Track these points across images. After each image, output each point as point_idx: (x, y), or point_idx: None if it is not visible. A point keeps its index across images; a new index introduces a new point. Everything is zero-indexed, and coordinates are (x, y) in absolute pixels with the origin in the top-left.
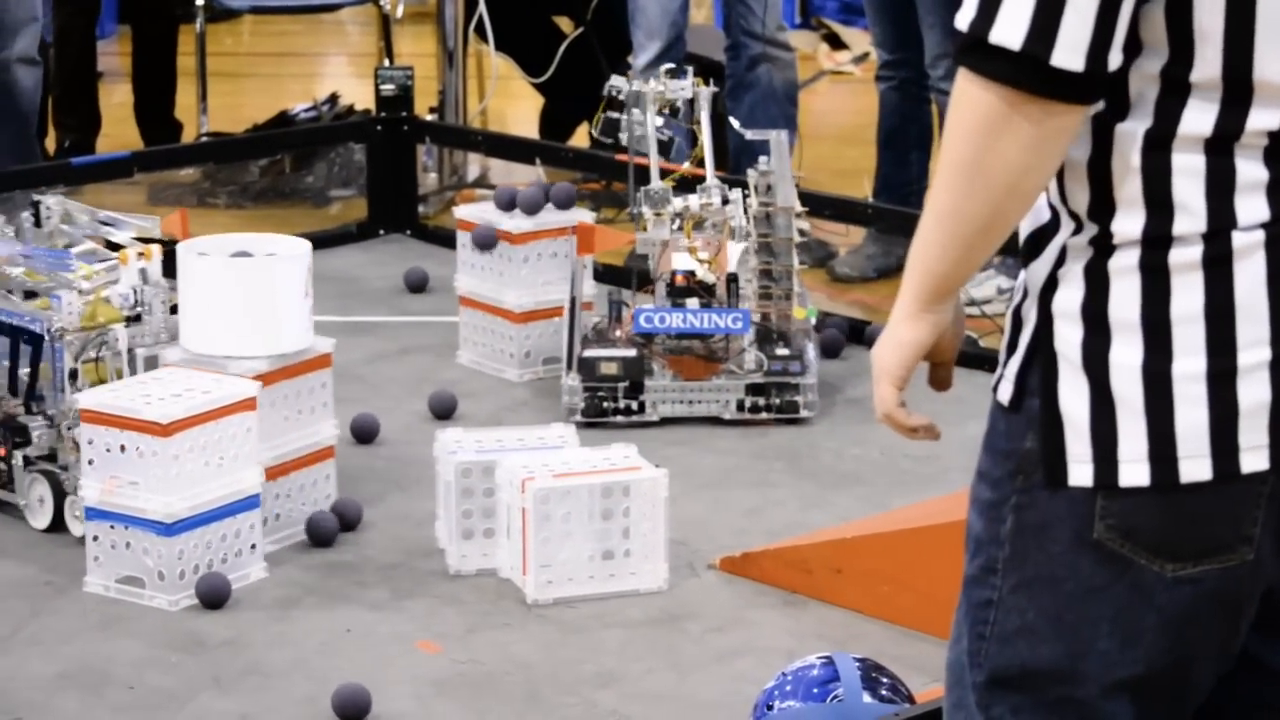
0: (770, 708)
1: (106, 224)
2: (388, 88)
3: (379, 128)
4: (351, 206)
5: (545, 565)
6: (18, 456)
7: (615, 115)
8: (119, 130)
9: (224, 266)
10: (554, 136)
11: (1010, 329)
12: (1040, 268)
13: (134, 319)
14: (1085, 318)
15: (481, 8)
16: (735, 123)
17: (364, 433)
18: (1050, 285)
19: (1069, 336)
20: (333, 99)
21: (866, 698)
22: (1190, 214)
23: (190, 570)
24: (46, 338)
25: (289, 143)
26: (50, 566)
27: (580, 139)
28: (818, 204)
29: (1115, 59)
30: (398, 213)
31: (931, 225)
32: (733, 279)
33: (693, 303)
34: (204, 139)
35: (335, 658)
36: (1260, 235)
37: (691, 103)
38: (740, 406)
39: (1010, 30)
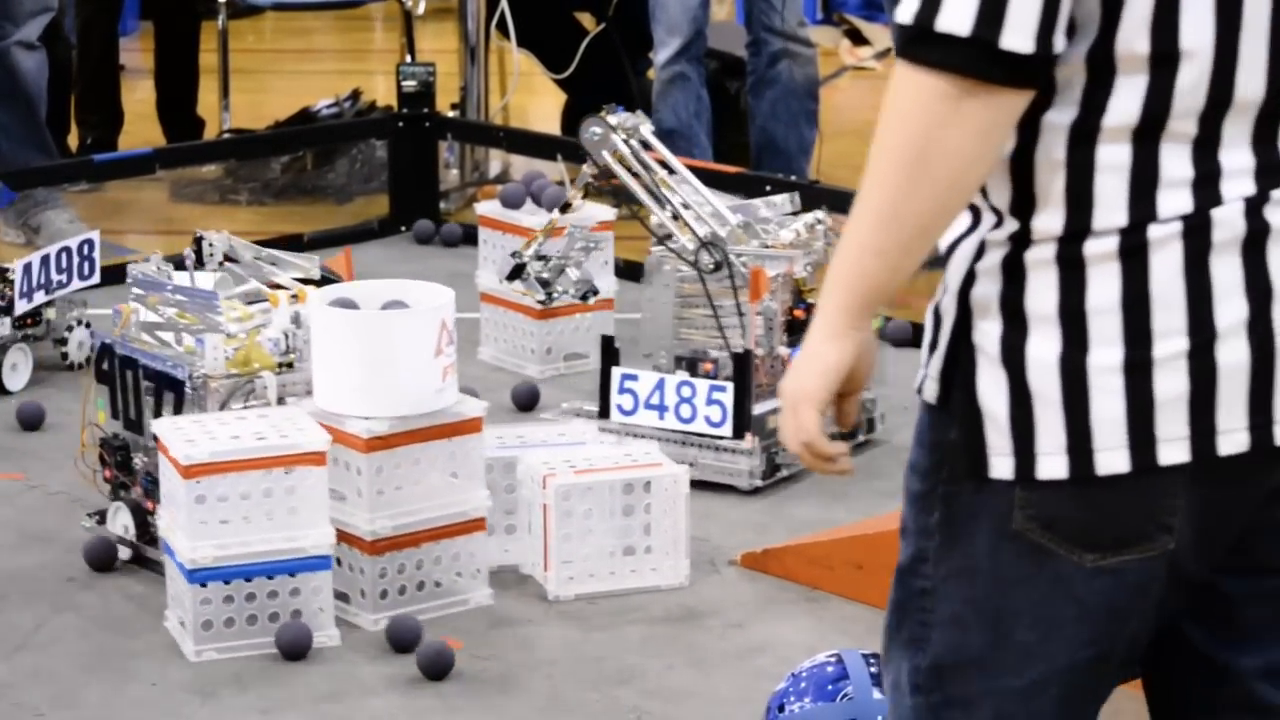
0: (782, 709)
1: (270, 263)
2: (410, 84)
3: (401, 124)
4: (373, 203)
5: (567, 561)
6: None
7: (576, 274)
8: (141, 127)
9: (341, 318)
10: (576, 133)
11: (931, 327)
12: (959, 262)
13: (286, 365)
14: (1003, 311)
15: (503, 4)
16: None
17: (526, 400)
18: (969, 280)
19: (987, 330)
20: (355, 95)
21: (877, 694)
22: (1110, 210)
23: (221, 623)
24: (188, 385)
25: (311, 139)
26: (69, 563)
27: None
28: (838, 200)
29: (1060, 41)
30: (419, 209)
31: (867, 230)
32: None
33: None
34: (226, 136)
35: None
36: (1178, 226)
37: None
38: (838, 437)
39: (957, 17)
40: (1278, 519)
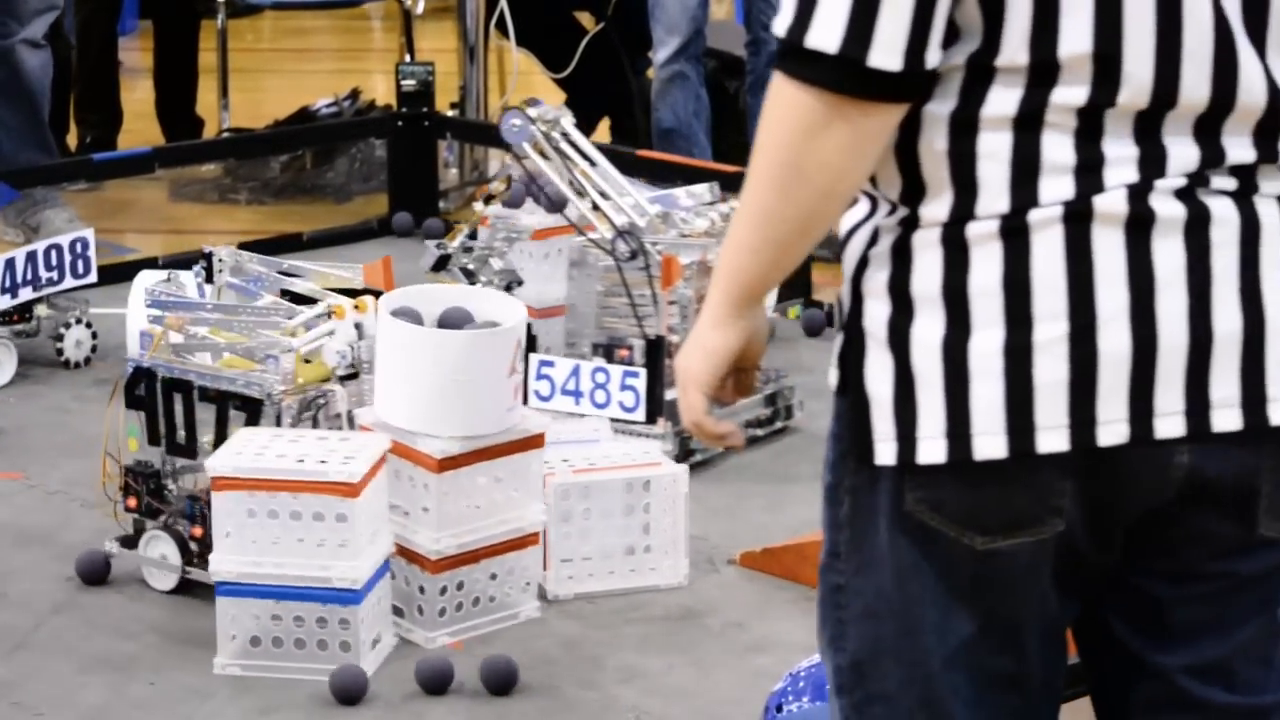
0: (780, 709)
1: (291, 274)
2: (409, 83)
3: (400, 123)
4: (372, 202)
5: (566, 560)
6: None
7: (500, 265)
8: (140, 126)
9: (419, 337)
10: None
11: (836, 315)
12: (854, 249)
13: (347, 378)
14: (891, 294)
15: (503, 3)
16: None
17: None
18: (862, 265)
19: (876, 314)
20: (354, 95)
21: None
22: (994, 196)
23: (247, 640)
24: (267, 402)
25: (310, 138)
26: (69, 562)
27: (602, 134)
28: None
29: (934, 57)
30: (419, 208)
31: (746, 229)
32: None
33: None
34: (225, 135)
35: None
36: (1059, 210)
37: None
38: (759, 422)
39: (826, 34)
40: (1197, 523)
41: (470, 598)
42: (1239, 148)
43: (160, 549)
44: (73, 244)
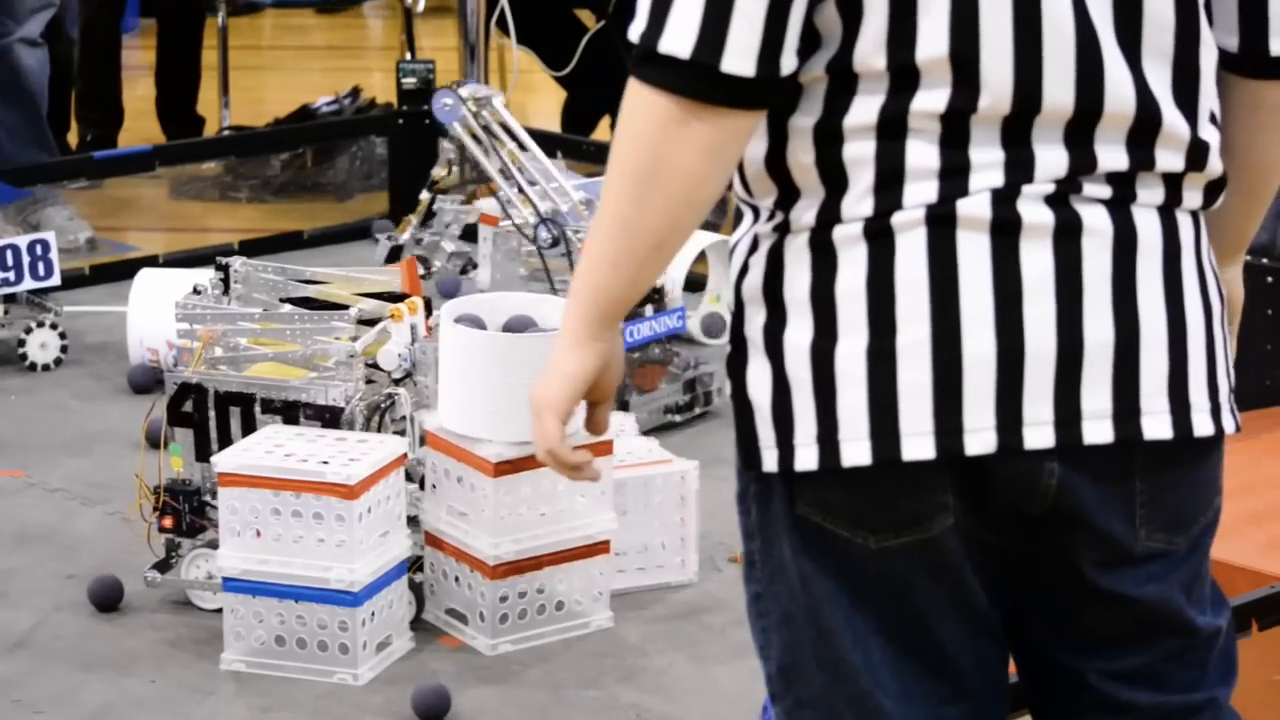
0: None
1: (311, 281)
2: (409, 81)
3: (401, 121)
4: (373, 200)
5: None
6: None
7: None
8: (141, 124)
9: (482, 342)
10: (576, 130)
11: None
12: (736, 258)
13: (399, 381)
14: (766, 299)
15: (503, 1)
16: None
17: None
18: (743, 272)
19: (754, 320)
20: (354, 93)
21: None
22: (858, 199)
23: (251, 637)
24: (346, 408)
25: (311, 136)
26: (69, 560)
27: (602, 133)
28: None
29: (789, 62)
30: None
31: (603, 242)
32: None
33: (646, 308)
34: (226, 133)
35: None
36: (921, 213)
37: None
38: (678, 408)
39: (679, 39)
40: (1077, 536)
41: (535, 605)
42: (1112, 155)
43: (207, 567)
44: (31, 245)
